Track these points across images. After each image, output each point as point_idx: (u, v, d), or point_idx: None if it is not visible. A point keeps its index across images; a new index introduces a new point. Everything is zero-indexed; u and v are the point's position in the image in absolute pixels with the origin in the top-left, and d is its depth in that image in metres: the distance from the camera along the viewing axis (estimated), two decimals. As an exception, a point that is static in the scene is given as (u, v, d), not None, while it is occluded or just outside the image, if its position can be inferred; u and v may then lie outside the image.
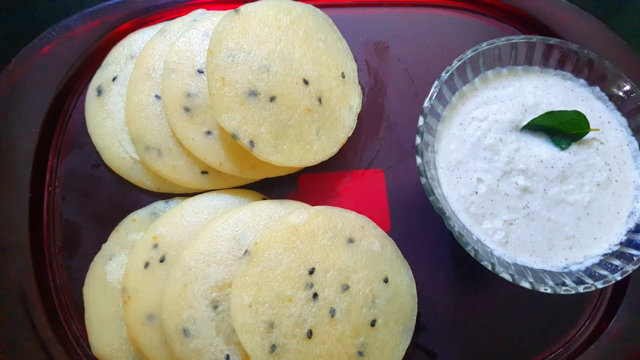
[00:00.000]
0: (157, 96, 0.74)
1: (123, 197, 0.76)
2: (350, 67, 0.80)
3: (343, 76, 0.78)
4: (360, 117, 0.80)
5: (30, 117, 0.75)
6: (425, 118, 0.64)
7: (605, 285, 0.60)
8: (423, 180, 0.62)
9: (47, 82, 0.77)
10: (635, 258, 0.61)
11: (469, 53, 0.67)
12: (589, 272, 0.62)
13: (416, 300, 0.72)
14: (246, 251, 0.66)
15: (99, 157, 0.76)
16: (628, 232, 0.64)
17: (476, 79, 0.69)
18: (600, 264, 0.63)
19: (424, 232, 0.78)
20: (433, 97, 0.64)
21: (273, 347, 0.64)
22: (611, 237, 0.64)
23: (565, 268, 0.63)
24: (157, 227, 0.71)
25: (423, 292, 0.75)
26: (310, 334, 0.65)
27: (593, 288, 0.59)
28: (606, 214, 0.65)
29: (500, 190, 0.65)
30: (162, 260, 0.69)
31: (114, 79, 0.77)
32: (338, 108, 0.77)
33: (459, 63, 0.66)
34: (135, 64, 0.76)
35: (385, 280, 0.71)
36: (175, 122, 0.71)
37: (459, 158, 0.66)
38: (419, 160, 0.62)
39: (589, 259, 0.63)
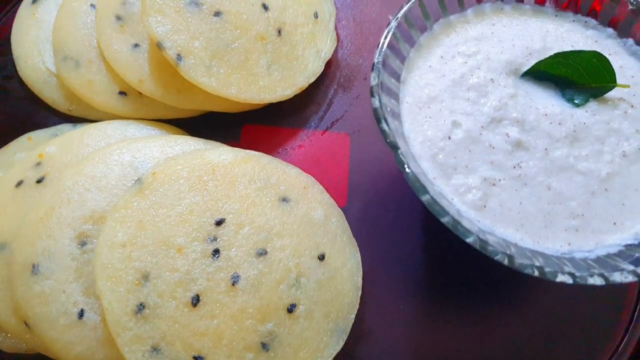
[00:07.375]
0: (92, 5, 0.63)
1: (29, 116, 0.63)
2: (327, 9, 0.67)
3: (316, 16, 0.65)
4: (332, 70, 0.66)
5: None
6: (387, 34, 0.49)
7: (628, 280, 0.39)
8: (376, 102, 0.45)
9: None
10: (673, 252, 0.41)
11: (460, -28, 0.53)
12: (602, 262, 0.42)
13: (359, 293, 0.53)
14: (138, 179, 0.51)
15: (14, 68, 0.65)
16: (664, 219, 0.45)
17: (469, 10, 0.54)
18: (620, 254, 0.43)
19: (387, 217, 0.60)
20: (402, 12, 0.50)
21: (140, 307, 0.46)
22: (638, 224, 0.45)
23: (566, 254, 0.43)
24: (48, 145, 0.56)
25: (371, 289, 0.55)
26: (196, 299, 0.47)
27: (600, 282, 0.39)
28: (633, 194, 0.46)
29: (483, 139, 0.47)
30: (39, 181, 0.54)
31: (55, -12, 0.68)
32: (302, 47, 0.63)
33: (445, -20, 0.52)
34: (81, -28, 0.66)
35: (321, 258, 0.52)
36: (102, 30, 0.60)
37: (432, 94, 0.49)
38: (374, 79, 0.46)
39: (603, 247, 0.44)
